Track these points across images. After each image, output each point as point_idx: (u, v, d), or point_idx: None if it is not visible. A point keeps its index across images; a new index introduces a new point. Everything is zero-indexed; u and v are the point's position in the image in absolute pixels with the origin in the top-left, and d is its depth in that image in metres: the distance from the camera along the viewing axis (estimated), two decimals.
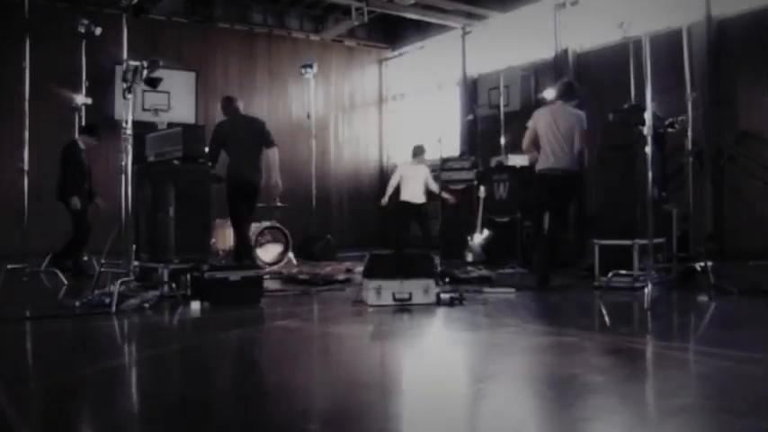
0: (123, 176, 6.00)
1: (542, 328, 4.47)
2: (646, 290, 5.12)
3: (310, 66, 11.21)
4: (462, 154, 11.40)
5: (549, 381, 3.09)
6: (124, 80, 5.66)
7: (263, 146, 7.24)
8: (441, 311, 5.18)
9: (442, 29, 13.25)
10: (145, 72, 5.66)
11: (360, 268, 6.77)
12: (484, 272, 7.46)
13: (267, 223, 9.22)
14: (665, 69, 9.69)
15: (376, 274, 5.56)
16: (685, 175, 8.01)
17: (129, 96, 5.71)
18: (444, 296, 5.50)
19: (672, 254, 6.78)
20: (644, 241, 6.32)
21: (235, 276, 5.64)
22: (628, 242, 6.28)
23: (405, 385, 3.14)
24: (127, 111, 5.75)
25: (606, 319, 5.11)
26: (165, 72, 12.02)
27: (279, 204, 9.84)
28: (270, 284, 7.14)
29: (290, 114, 13.50)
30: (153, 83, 5.78)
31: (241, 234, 7.28)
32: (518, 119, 11.32)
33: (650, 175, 5.54)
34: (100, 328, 4.69)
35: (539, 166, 6.70)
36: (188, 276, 5.80)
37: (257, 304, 5.61)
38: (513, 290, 6.22)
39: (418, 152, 9.90)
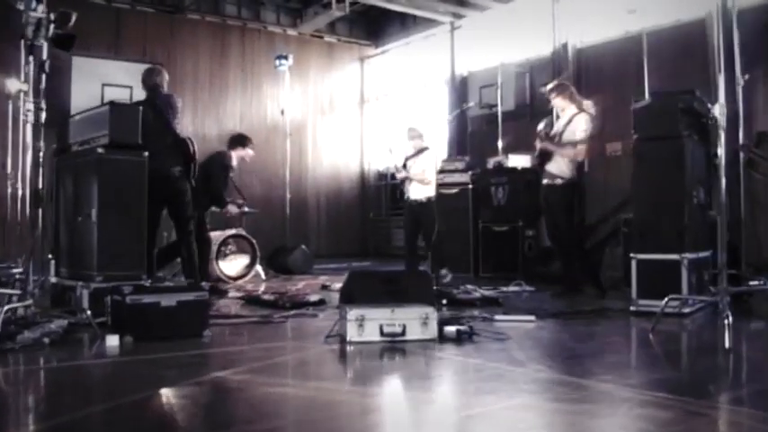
0: (40, 169, 4.31)
1: (607, 386, 2.82)
2: (726, 322, 3.57)
3: (285, 57, 9.55)
4: (450, 155, 9.84)
5: None
6: (23, 37, 3.97)
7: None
8: (447, 354, 3.56)
9: (429, 24, 11.65)
10: (51, 27, 3.98)
11: (338, 284, 5.22)
12: (486, 291, 5.89)
13: (232, 231, 7.51)
14: (680, 61, 8.38)
15: (358, 299, 3.95)
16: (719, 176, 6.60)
17: (31, 59, 4.02)
18: (449, 329, 3.88)
19: None
20: (693, 255, 4.84)
21: (168, 301, 3.95)
22: (675, 257, 4.72)
23: None
24: (27, 80, 4.06)
25: (688, 368, 3.58)
26: (127, 65, 10.57)
27: (247, 210, 8.16)
28: (227, 305, 5.50)
29: (265, 114, 11.78)
30: (63, 43, 4.09)
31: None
32: (512, 119, 9.81)
33: (724, 178, 4.03)
34: None
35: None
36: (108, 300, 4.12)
37: (199, 338, 3.95)
38: (532, 317, 4.60)
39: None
